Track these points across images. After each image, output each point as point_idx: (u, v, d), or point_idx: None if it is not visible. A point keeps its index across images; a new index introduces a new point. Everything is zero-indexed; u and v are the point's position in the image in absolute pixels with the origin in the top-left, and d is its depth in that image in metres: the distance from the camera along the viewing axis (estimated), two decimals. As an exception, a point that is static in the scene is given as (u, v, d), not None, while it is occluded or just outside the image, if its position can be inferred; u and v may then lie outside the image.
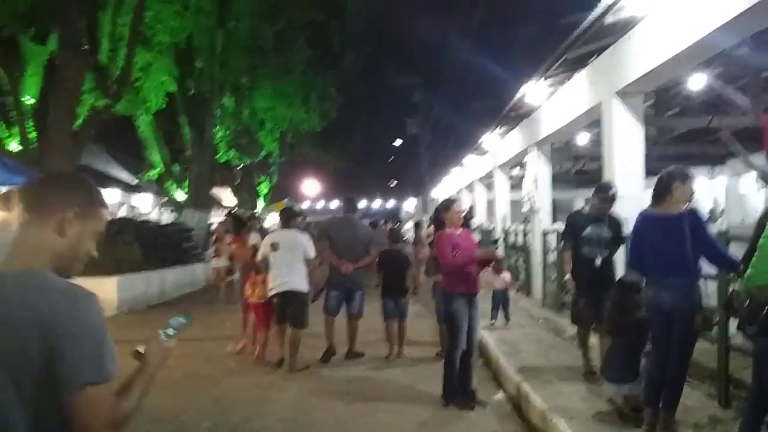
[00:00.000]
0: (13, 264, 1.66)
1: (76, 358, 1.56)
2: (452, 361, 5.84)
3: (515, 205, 16.00)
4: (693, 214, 4.38)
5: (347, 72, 26.69)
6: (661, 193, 4.49)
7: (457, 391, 5.86)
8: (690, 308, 4.31)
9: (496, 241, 8.12)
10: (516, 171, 17.08)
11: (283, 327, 7.55)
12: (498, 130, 14.16)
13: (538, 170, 11.38)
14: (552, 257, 10.51)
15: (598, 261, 6.02)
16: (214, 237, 13.66)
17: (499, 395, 6.32)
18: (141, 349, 1.87)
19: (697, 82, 10.63)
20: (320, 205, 50.39)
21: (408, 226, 18.48)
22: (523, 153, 12.36)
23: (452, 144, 30.59)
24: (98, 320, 1.63)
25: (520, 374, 6.24)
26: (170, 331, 1.94)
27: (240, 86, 21.63)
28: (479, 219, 17.67)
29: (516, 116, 12.15)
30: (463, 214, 6.41)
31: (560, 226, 9.22)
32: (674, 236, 4.31)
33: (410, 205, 47.14)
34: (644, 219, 4.65)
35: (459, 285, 5.87)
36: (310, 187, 43.32)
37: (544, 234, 11.01)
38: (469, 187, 21.68)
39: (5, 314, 1.58)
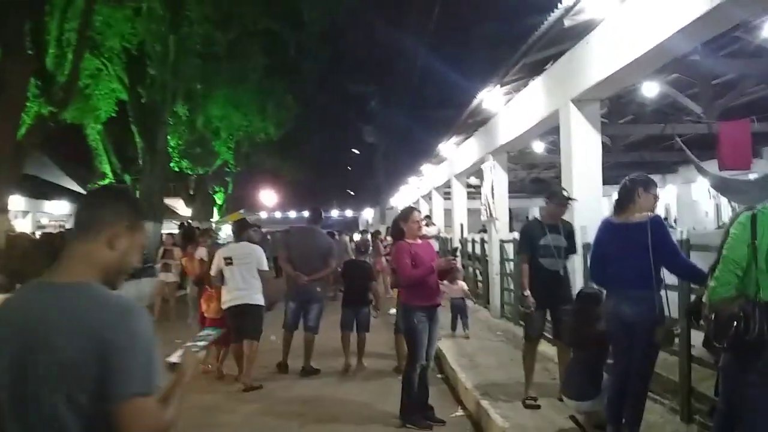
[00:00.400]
0: (64, 276, 1.72)
1: (126, 369, 1.61)
2: (411, 380, 5.61)
3: (473, 213, 15.93)
4: (656, 221, 4.27)
5: (304, 80, 26.37)
6: (624, 201, 4.36)
7: (415, 410, 5.63)
8: (652, 320, 4.18)
9: (455, 251, 7.97)
10: (473, 179, 17.02)
11: (241, 344, 7.27)
12: (455, 139, 14.07)
13: (495, 178, 11.29)
14: (509, 266, 10.42)
15: (562, 271, 5.76)
16: (162, 250, 13.17)
17: (458, 412, 6.11)
18: (174, 360, 1.91)
19: (650, 89, 10.68)
20: (279, 214, 49.83)
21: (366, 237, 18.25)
22: (480, 161, 12.27)
23: (410, 153, 30.53)
24: (149, 333, 1.69)
25: (478, 390, 6.05)
26: (201, 343, 2.02)
27: (193, 94, 21.14)
28: (437, 228, 17.52)
29: (473, 124, 12.06)
30: (423, 223, 6.21)
31: (517, 235, 9.11)
32: (638, 244, 4.17)
33: (368, 214, 46.87)
34: (607, 227, 4.51)
35: (418, 298, 5.62)
36: (267, 197, 42.86)
37: (502, 243, 10.91)
38: (427, 197, 21.58)
39: (62, 326, 1.63)
